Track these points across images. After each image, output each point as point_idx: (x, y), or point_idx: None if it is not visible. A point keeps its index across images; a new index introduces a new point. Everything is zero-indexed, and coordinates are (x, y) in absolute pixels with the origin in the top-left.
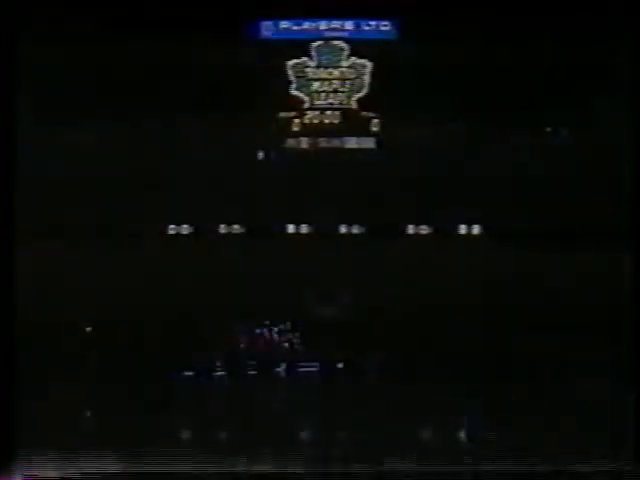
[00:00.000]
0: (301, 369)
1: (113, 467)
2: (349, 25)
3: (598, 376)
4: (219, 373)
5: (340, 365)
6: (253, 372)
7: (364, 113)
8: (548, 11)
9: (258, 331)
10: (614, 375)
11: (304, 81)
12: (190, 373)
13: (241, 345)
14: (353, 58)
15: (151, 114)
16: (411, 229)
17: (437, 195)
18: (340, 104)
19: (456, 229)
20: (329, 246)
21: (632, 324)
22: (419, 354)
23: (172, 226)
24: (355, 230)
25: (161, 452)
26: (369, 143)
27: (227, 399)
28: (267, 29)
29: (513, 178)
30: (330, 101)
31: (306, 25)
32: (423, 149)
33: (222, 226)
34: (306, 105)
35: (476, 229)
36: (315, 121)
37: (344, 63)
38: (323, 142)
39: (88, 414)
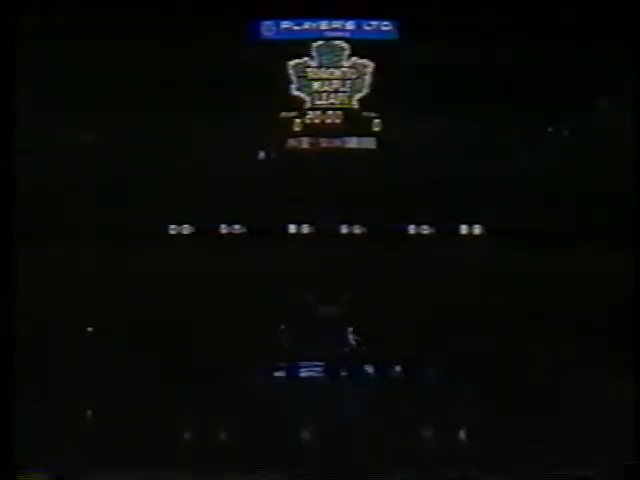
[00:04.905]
0: (302, 369)
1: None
2: (350, 25)
3: (599, 374)
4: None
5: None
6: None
7: (365, 113)
8: (549, 12)
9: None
10: (614, 374)
11: (305, 81)
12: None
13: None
14: (354, 58)
15: (151, 114)
16: (412, 229)
17: (437, 195)
18: (341, 104)
19: (457, 229)
20: (330, 245)
21: (633, 323)
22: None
23: (173, 226)
24: (356, 230)
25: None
26: (370, 143)
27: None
28: (268, 29)
29: (513, 178)
30: (331, 101)
31: (307, 25)
32: (424, 149)
33: (223, 226)
34: (307, 105)
35: (477, 229)
36: (316, 121)
37: (345, 63)
38: (324, 142)
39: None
